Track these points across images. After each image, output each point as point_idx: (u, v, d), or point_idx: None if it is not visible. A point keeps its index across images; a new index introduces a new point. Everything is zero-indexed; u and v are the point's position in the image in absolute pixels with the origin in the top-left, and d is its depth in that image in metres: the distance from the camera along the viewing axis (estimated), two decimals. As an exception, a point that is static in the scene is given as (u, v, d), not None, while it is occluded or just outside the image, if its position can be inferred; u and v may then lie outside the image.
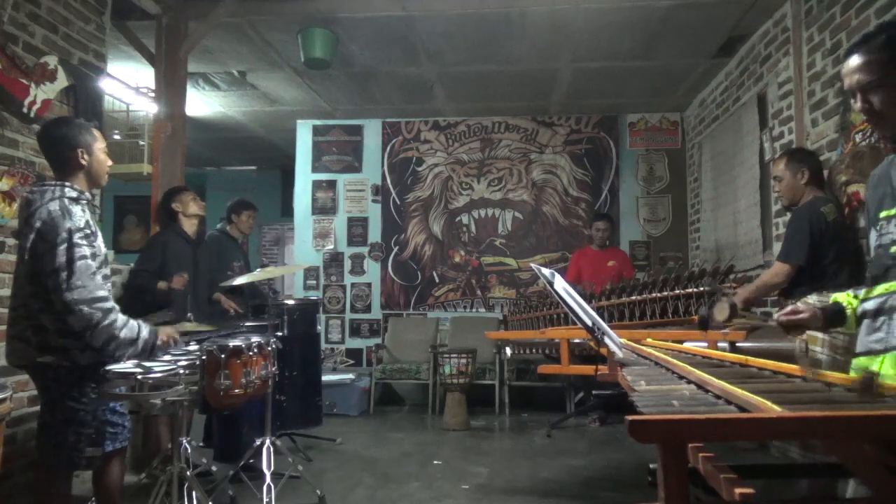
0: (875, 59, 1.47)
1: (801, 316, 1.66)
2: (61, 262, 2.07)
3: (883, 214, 1.57)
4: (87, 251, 2.12)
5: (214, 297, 4.18)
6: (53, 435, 2.20)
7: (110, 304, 2.14)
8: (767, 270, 2.98)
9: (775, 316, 1.73)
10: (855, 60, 1.50)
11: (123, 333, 2.16)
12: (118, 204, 8.85)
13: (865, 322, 1.62)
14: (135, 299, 3.59)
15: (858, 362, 1.66)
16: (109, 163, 2.41)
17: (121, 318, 2.17)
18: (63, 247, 2.08)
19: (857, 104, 1.53)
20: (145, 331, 2.24)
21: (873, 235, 1.61)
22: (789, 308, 1.71)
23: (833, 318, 1.68)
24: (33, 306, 2.15)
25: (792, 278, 2.89)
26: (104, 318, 2.10)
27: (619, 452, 4.36)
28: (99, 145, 2.34)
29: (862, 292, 1.65)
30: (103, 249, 2.28)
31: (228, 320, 4.09)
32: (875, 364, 1.57)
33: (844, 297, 1.71)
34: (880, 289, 1.56)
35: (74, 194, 2.21)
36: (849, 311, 1.67)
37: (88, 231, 2.17)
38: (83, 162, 2.27)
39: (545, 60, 5.18)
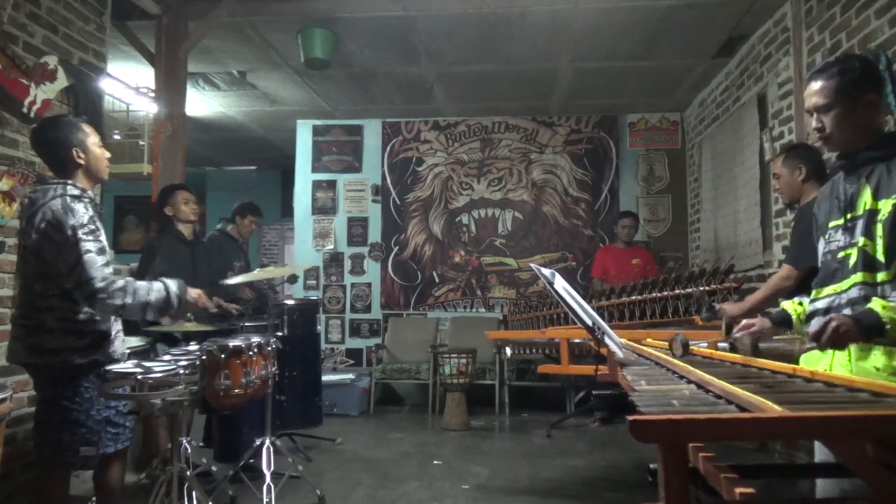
0: (828, 85, 1.68)
1: (753, 329, 1.91)
2: (72, 261, 2.09)
3: (832, 224, 1.77)
4: (92, 246, 2.14)
5: (213, 300, 4.16)
6: (49, 434, 2.21)
7: (122, 281, 2.17)
8: (776, 275, 2.97)
9: (735, 334, 1.96)
10: (814, 85, 1.72)
11: (154, 297, 2.22)
12: (118, 204, 8.85)
13: (816, 319, 1.77)
14: None
15: (810, 356, 1.82)
16: (108, 155, 2.40)
17: (141, 285, 2.21)
18: (69, 245, 2.10)
19: (813, 123, 1.75)
20: (173, 286, 2.29)
21: (822, 244, 1.81)
22: (743, 323, 1.95)
23: (780, 322, 1.92)
24: (39, 305, 2.16)
25: (801, 281, 2.88)
26: (125, 295, 2.15)
27: (619, 452, 4.36)
28: (92, 140, 2.32)
29: (812, 294, 1.83)
30: (107, 248, 2.29)
31: (228, 320, 4.09)
32: (826, 357, 1.73)
33: (790, 305, 1.94)
34: (829, 290, 1.74)
35: (76, 192, 2.21)
36: (794, 317, 1.90)
37: (93, 226, 2.18)
38: (80, 161, 2.27)
39: (545, 60, 5.18)
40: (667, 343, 2.13)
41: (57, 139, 2.25)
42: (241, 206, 4.78)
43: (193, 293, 2.39)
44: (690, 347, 2.01)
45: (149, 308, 2.22)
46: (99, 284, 2.11)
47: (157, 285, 2.26)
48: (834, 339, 1.50)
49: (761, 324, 1.91)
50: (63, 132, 2.26)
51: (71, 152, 2.25)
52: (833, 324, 1.50)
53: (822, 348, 1.54)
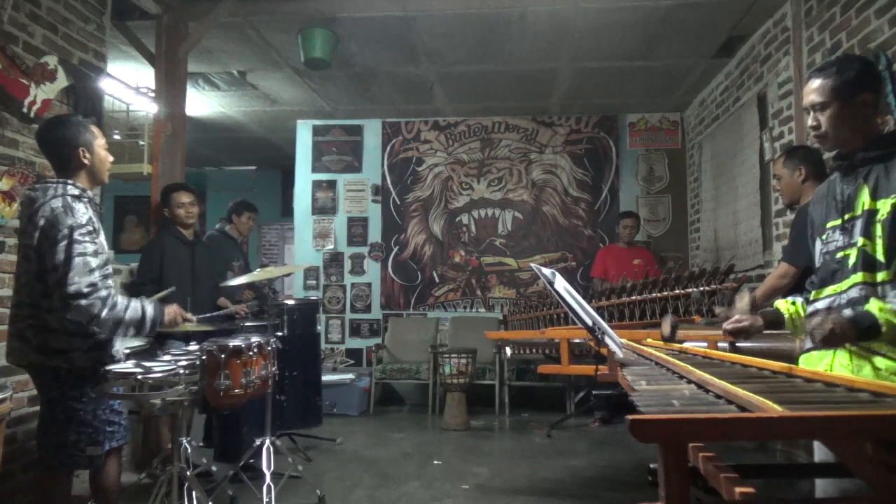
0: (825, 84, 1.70)
1: (743, 324, 1.89)
2: (60, 259, 2.08)
3: (829, 225, 1.77)
4: (88, 248, 2.13)
5: (220, 302, 4.17)
6: (54, 435, 2.20)
7: (105, 291, 2.14)
8: (773, 273, 2.99)
9: (725, 326, 1.94)
10: (812, 83, 1.73)
11: (129, 315, 2.18)
12: (118, 204, 8.86)
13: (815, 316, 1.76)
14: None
15: (810, 357, 1.81)
16: (111, 159, 2.41)
17: (120, 300, 2.18)
18: (63, 244, 2.09)
19: (809, 121, 1.76)
20: (150, 308, 2.26)
21: (818, 244, 1.81)
22: (735, 317, 1.93)
23: (771, 323, 1.92)
24: (42, 305, 2.15)
25: (798, 279, 2.89)
26: (104, 307, 2.11)
27: (619, 452, 4.36)
28: (99, 142, 2.34)
29: (812, 295, 1.83)
30: (106, 248, 2.29)
31: (228, 321, 4.09)
32: (827, 358, 1.73)
33: (783, 304, 1.94)
34: (829, 290, 1.74)
35: (77, 192, 2.21)
36: (786, 316, 1.90)
37: (91, 228, 2.17)
38: (85, 161, 2.28)
39: (545, 60, 5.18)
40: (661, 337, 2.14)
41: (65, 137, 2.25)
42: (236, 204, 4.80)
43: (169, 314, 2.35)
44: (690, 347, 2.01)
45: (122, 325, 2.16)
46: (84, 289, 2.08)
47: (135, 304, 2.21)
48: (829, 339, 1.54)
49: (753, 321, 1.91)
50: (72, 131, 2.27)
51: (77, 152, 2.25)
52: (829, 325, 1.53)
53: (815, 343, 1.57)
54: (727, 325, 1.93)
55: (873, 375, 1.57)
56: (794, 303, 1.92)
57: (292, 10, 4.30)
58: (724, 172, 5.32)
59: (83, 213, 2.17)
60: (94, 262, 2.13)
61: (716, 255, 5.43)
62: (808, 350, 1.82)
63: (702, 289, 3.57)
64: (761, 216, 4.56)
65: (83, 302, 2.08)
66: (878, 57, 3.00)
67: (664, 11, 4.27)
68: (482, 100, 6.17)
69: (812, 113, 1.74)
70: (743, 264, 4.74)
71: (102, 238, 2.27)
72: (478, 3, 4.23)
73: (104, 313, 2.11)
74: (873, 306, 1.55)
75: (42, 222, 2.12)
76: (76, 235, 2.11)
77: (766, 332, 1.94)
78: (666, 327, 2.25)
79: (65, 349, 2.16)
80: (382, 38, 4.73)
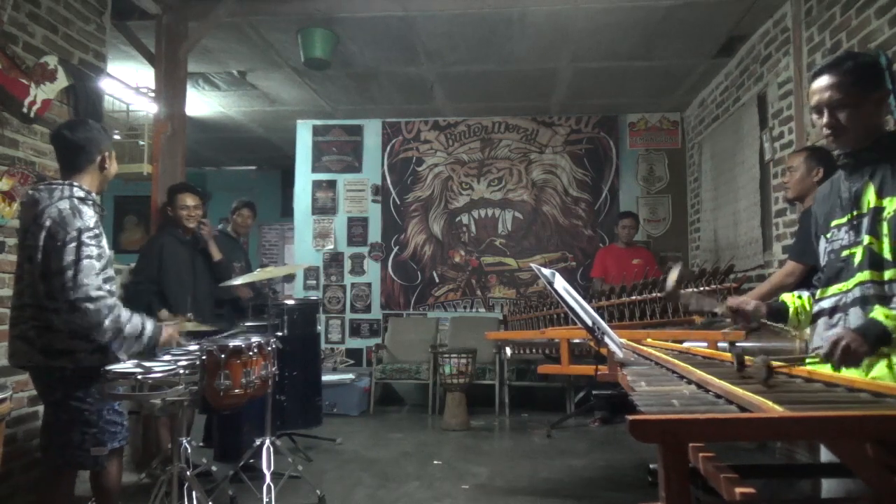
0: (843, 80, 1.64)
1: (747, 307, 1.87)
2: (69, 261, 2.08)
3: (834, 223, 1.75)
4: (94, 251, 2.14)
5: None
6: (58, 435, 2.20)
7: (112, 300, 2.15)
8: (779, 271, 2.99)
9: (728, 302, 1.91)
10: (825, 80, 1.67)
11: (128, 330, 2.18)
12: (118, 204, 8.84)
13: (822, 319, 1.76)
14: (134, 304, 3.60)
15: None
16: None
17: (125, 313, 2.18)
18: (72, 245, 2.09)
19: (824, 119, 1.69)
20: (149, 327, 2.25)
21: (823, 243, 1.80)
22: (741, 298, 1.92)
23: (775, 313, 1.88)
24: (48, 306, 2.15)
25: (804, 277, 2.90)
26: (108, 315, 2.11)
27: (619, 452, 4.36)
28: (113, 152, 2.40)
29: (817, 294, 1.81)
30: (108, 250, 2.29)
31: (228, 320, 4.09)
32: None
33: (789, 297, 1.92)
34: (834, 289, 1.73)
35: (82, 194, 2.22)
36: (791, 310, 1.88)
37: (97, 231, 2.18)
38: (107, 165, 2.32)
39: (545, 60, 5.18)
40: (671, 343, 2.13)
41: (92, 139, 2.29)
42: (236, 204, 4.82)
43: (166, 334, 2.35)
44: (690, 347, 2.00)
45: (119, 337, 2.16)
46: (93, 293, 2.09)
47: (136, 320, 2.21)
48: (846, 358, 1.47)
49: (756, 305, 1.87)
50: (101, 135, 2.33)
51: (103, 154, 2.31)
52: (843, 343, 1.47)
53: (837, 368, 1.49)
54: (730, 301, 1.90)
55: (886, 375, 1.54)
56: (800, 297, 1.89)
57: (292, 10, 4.30)
58: (724, 172, 5.32)
59: (90, 216, 2.18)
60: (98, 265, 2.14)
61: (716, 255, 5.42)
62: (816, 350, 1.80)
63: (701, 288, 3.57)
64: (761, 216, 4.56)
65: (91, 306, 2.08)
66: (878, 57, 3.00)
67: (664, 11, 4.27)
68: (482, 100, 6.17)
69: (827, 110, 1.67)
70: (743, 264, 4.74)
71: (105, 241, 2.27)
72: (478, 3, 4.23)
73: (107, 322, 2.11)
74: (878, 314, 1.52)
75: (48, 223, 2.12)
76: (84, 238, 2.11)
77: (765, 322, 1.91)
78: (673, 276, 2.16)
79: (70, 350, 2.16)
80: (382, 39, 4.73)
